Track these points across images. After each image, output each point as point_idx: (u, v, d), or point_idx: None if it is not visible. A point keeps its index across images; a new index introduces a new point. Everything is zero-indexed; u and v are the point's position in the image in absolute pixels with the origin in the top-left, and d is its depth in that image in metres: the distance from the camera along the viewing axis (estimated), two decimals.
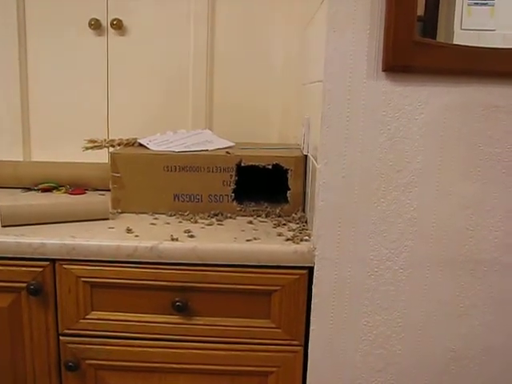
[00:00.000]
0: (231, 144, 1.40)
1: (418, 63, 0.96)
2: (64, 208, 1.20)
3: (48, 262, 1.08)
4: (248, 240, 1.09)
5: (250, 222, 1.23)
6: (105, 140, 1.39)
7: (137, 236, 1.10)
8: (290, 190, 1.27)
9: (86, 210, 1.21)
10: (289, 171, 1.26)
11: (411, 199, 1.02)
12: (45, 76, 1.60)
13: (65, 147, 1.58)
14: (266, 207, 1.30)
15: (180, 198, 1.28)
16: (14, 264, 1.08)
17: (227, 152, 1.29)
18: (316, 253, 1.05)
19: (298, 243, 1.08)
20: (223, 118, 1.60)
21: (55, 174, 1.51)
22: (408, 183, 1.01)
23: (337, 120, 1.00)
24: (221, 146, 1.37)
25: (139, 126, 1.58)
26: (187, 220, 1.24)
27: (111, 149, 1.37)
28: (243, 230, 1.16)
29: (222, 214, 1.27)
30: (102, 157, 1.47)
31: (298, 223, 1.22)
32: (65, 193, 1.48)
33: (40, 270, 1.08)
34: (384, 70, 0.97)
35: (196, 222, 1.22)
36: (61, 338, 1.12)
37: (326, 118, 1.00)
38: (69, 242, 1.07)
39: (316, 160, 1.07)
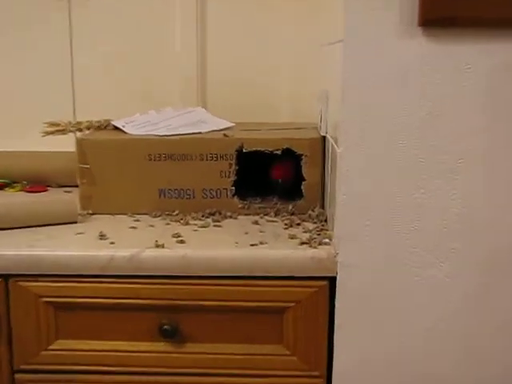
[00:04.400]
0: (230, 125, 1.39)
1: (466, 13, 0.94)
2: (20, 209, 1.20)
3: None
4: (253, 245, 1.09)
5: (256, 223, 1.23)
6: (70, 123, 1.39)
7: (112, 243, 1.10)
8: (304, 180, 1.26)
9: (48, 211, 1.21)
10: (303, 157, 1.26)
11: (459, 189, 1.00)
12: None
13: (21, 134, 1.56)
14: (275, 203, 1.29)
15: (167, 194, 1.28)
16: None
17: (225, 135, 1.28)
18: (339, 259, 1.04)
19: (315, 247, 1.07)
20: (219, 92, 1.59)
21: (8, 167, 1.51)
22: (454, 169, 1.00)
23: (362, 91, 0.98)
24: (217, 128, 1.36)
25: (113, 104, 1.56)
26: (176, 221, 1.23)
27: (78, 134, 1.36)
28: (247, 233, 1.16)
29: (219, 213, 1.27)
30: (66, 144, 1.45)
31: (315, 222, 1.21)
32: (21, 190, 1.48)
33: None
34: (421, 25, 0.95)
35: (187, 223, 1.22)
36: (16, 375, 1.11)
37: (347, 89, 0.99)
38: (26, 252, 1.07)
39: (336, 142, 1.06)
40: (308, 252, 1.06)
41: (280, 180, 1.32)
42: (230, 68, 1.58)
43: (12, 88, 1.61)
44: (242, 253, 1.06)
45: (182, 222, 1.23)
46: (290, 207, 1.28)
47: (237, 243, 1.10)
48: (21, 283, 1.07)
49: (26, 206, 1.21)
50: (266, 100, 1.59)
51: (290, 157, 1.27)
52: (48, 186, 1.51)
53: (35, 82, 1.60)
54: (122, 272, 1.06)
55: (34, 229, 1.18)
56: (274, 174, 1.33)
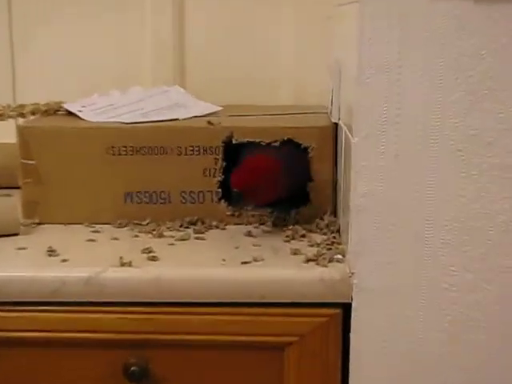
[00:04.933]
0: (216, 109, 1.39)
1: None
2: None
3: None
4: (245, 262, 1.08)
5: (249, 234, 1.23)
6: (9, 106, 1.38)
7: (65, 261, 1.10)
8: (311, 181, 1.27)
9: None
10: (309, 150, 1.26)
11: (510, 191, 1.00)
12: None
13: None
14: (273, 210, 1.29)
15: (135, 199, 1.28)
16: None
17: (209, 122, 1.28)
18: (354, 281, 1.03)
19: (325, 266, 1.07)
20: (201, 66, 1.60)
21: None
22: (504, 165, 0.99)
23: (383, 65, 0.98)
24: (199, 113, 1.36)
25: (66, 83, 1.58)
26: (147, 233, 1.24)
27: (20, 120, 1.36)
28: (237, 247, 1.16)
29: (202, 223, 1.27)
30: (4, 134, 1.45)
31: (325, 233, 1.21)
32: None
33: None
34: None
35: (161, 235, 1.22)
36: None
37: (365, 62, 0.98)
38: None
39: (351, 131, 1.05)
40: (315, 271, 1.06)
41: (238, 190, 1.19)
42: (215, 35, 1.59)
43: None
44: (230, 273, 1.06)
45: (154, 233, 1.23)
46: (293, 214, 1.27)
47: (224, 261, 1.09)
48: None
49: None
50: (262, 77, 1.60)
51: (292, 150, 1.27)
52: None
53: None
54: (77, 298, 1.06)
55: None
56: (232, 181, 1.19)
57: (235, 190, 1.18)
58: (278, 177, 1.19)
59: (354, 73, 1.01)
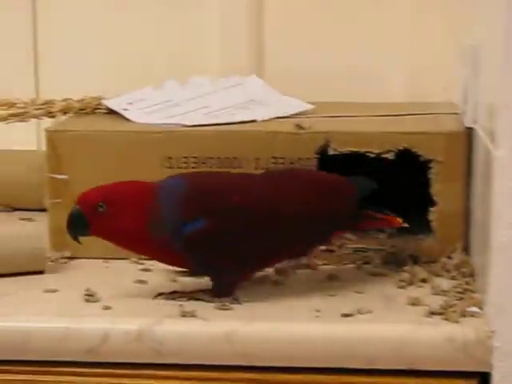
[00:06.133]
0: (306, 107, 1.40)
1: None
2: None
3: None
4: (346, 315, 1.08)
5: None
6: (32, 102, 1.40)
7: (107, 308, 1.11)
8: (434, 205, 1.27)
9: None
10: (432, 165, 1.26)
11: None
12: None
13: None
14: (383, 243, 1.30)
15: None
16: None
17: (298, 126, 1.29)
18: (496, 342, 1.03)
19: (455, 321, 1.06)
20: (285, 52, 1.62)
21: None
22: None
23: None
24: (283, 113, 1.37)
25: (107, 73, 1.61)
26: None
27: (46, 121, 1.38)
28: (334, 294, 1.17)
29: None
30: (26, 139, 1.48)
31: (454, 278, 1.21)
32: None
33: None
34: None
35: None
36: None
37: None
38: None
39: (493, 139, 1.05)
40: (442, 329, 1.05)
41: (79, 208, 1.11)
42: (302, 9, 1.61)
43: None
44: (327, 329, 1.06)
45: None
46: (410, 249, 1.28)
47: (318, 312, 1.10)
48: None
49: None
50: (366, 64, 1.62)
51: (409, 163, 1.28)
52: None
53: None
54: (122, 358, 1.06)
55: None
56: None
57: (76, 207, 1.11)
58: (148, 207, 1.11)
59: (499, 57, 1.00)
